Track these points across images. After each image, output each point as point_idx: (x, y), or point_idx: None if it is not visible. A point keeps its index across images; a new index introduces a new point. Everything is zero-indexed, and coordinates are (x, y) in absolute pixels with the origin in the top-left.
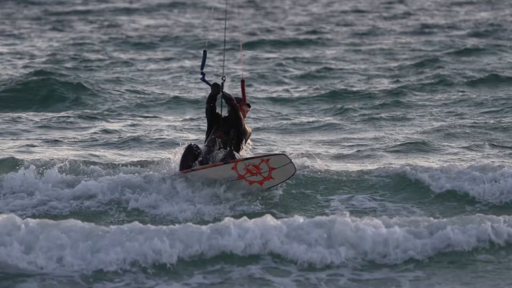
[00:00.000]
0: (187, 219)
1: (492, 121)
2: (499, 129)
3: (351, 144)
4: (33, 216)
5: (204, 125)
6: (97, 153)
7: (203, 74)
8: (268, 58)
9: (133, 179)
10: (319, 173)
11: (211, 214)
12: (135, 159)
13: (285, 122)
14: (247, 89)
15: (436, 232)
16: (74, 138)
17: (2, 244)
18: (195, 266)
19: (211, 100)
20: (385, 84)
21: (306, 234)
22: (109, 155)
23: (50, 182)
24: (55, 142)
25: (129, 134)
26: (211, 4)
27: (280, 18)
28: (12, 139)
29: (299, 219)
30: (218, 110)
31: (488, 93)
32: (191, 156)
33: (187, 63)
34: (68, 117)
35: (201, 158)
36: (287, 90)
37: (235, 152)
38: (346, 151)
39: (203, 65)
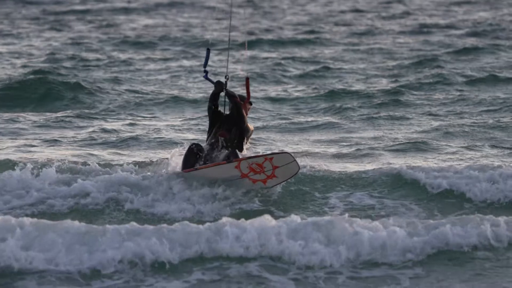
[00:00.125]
0: (186, 218)
1: (490, 120)
2: (497, 129)
3: (349, 143)
4: (31, 215)
5: (203, 125)
6: (95, 152)
7: (206, 72)
8: (266, 58)
9: (131, 178)
10: (317, 171)
11: (210, 213)
12: (134, 159)
13: (283, 121)
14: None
15: (436, 232)
16: (72, 137)
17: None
18: (194, 263)
19: (214, 98)
20: (384, 83)
21: (304, 235)
22: (107, 154)
23: (48, 181)
24: (53, 141)
25: (127, 134)
26: (214, 4)
27: (278, 18)
28: (10, 138)
29: (297, 219)
30: (220, 108)
31: (487, 92)
32: (193, 155)
33: (186, 63)
34: (66, 116)
35: (203, 157)
36: (286, 90)
37: (238, 151)
38: (344, 150)
39: (206, 63)
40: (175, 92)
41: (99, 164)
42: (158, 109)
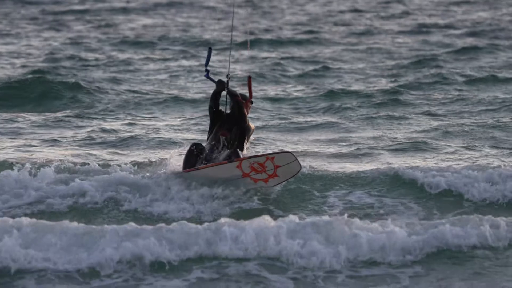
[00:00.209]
0: (185, 218)
1: (490, 120)
2: (497, 129)
3: (349, 143)
4: (29, 215)
5: (202, 124)
6: (94, 152)
7: (207, 71)
8: (265, 58)
9: (130, 178)
10: (316, 171)
11: (209, 212)
12: (132, 158)
13: (283, 121)
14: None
15: (435, 232)
16: (71, 137)
17: None
18: (193, 262)
19: (215, 97)
20: (383, 83)
21: (303, 235)
22: (106, 154)
23: (46, 180)
24: (52, 141)
25: (126, 134)
26: (213, 4)
27: (277, 18)
28: (8, 138)
29: (296, 219)
30: (220, 107)
31: (486, 92)
32: (194, 155)
33: (185, 63)
34: (65, 116)
35: (205, 157)
36: (285, 89)
37: (239, 151)
38: (344, 150)
39: (207, 62)
40: (174, 92)
41: (98, 163)
42: (157, 109)
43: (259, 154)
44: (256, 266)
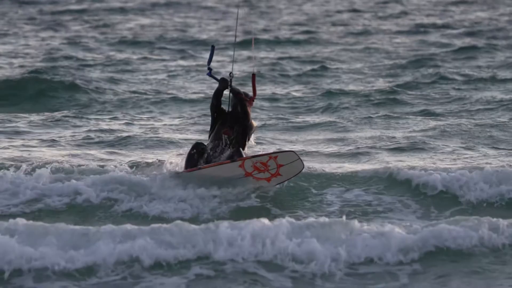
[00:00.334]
0: (182, 217)
1: (488, 120)
2: (495, 128)
3: (347, 142)
4: (25, 214)
5: (200, 124)
6: (91, 152)
7: (210, 69)
8: (263, 58)
9: (127, 178)
10: (314, 170)
11: (207, 212)
12: (130, 158)
13: (281, 120)
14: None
15: (433, 231)
16: (68, 136)
17: None
18: (191, 260)
19: (217, 95)
20: (381, 83)
21: (301, 235)
22: (104, 154)
23: (43, 180)
24: (50, 141)
25: (124, 133)
26: (212, 4)
27: (275, 18)
28: (5, 138)
29: (294, 219)
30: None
31: (484, 92)
32: (196, 155)
33: (183, 63)
34: (63, 116)
35: (207, 156)
36: (283, 89)
37: (241, 150)
38: (342, 149)
39: (210, 60)
40: (172, 92)
41: (95, 163)
42: (155, 108)
43: (262, 153)
44: (253, 265)
